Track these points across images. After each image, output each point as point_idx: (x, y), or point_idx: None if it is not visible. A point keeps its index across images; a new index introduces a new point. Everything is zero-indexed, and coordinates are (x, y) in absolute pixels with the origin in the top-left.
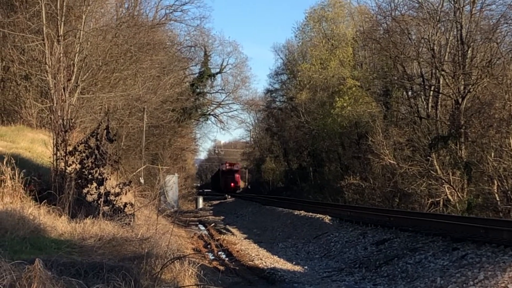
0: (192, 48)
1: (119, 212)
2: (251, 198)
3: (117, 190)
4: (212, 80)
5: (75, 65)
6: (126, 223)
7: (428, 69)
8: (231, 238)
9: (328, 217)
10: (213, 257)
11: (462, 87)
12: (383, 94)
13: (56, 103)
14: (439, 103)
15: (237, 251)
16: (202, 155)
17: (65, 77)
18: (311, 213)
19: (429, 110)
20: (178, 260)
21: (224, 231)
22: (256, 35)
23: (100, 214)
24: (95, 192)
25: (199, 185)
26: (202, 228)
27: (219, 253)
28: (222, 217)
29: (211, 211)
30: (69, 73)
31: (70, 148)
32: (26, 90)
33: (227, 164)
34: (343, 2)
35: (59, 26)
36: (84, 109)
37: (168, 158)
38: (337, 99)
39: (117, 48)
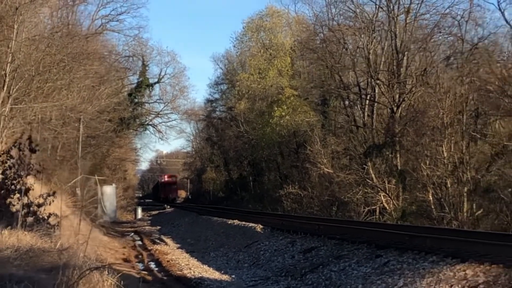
0: (130, 58)
1: (43, 222)
2: (189, 208)
3: (41, 200)
4: (150, 90)
5: (7, 75)
6: (45, 234)
7: (364, 78)
8: (164, 248)
9: (260, 226)
10: (142, 267)
11: (397, 96)
12: (321, 104)
13: None
14: (375, 112)
15: (168, 261)
16: (144, 166)
17: None
18: (244, 222)
19: (365, 119)
20: (97, 270)
21: (158, 241)
22: (195, 45)
23: (19, 225)
24: (17, 203)
25: (141, 195)
26: (137, 238)
27: (150, 263)
28: (158, 227)
29: (149, 221)
30: (1, 83)
31: None
32: None
33: (165, 176)
34: (281, 12)
35: None
36: (16, 120)
37: (107, 168)
38: (276, 108)
39: (50, 58)
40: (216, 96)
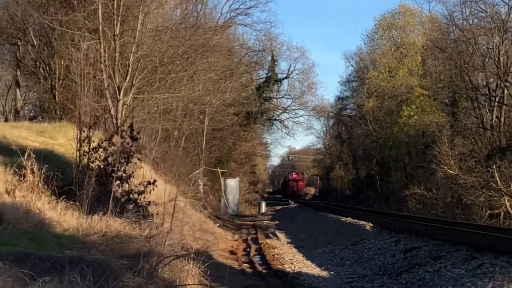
0: (260, 52)
1: (143, 210)
2: (311, 205)
3: (141, 188)
4: (279, 85)
5: (130, 65)
6: (135, 221)
7: (494, 79)
8: (274, 242)
9: (370, 224)
10: (247, 260)
11: None
12: (450, 104)
13: (111, 102)
14: (503, 114)
15: (273, 255)
16: (275, 161)
17: (120, 76)
18: (356, 220)
19: (494, 121)
20: (184, 258)
21: (271, 235)
22: (325, 41)
23: (109, 211)
24: (117, 190)
25: (271, 190)
26: (253, 232)
27: (255, 256)
28: (277, 222)
29: (270, 216)
30: (124, 72)
31: (94, 145)
32: (82, 88)
33: (293, 173)
34: (413, 10)
35: (115, 26)
36: (139, 109)
37: (233, 162)
38: (405, 108)
39: (173, 49)
40: (347, 93)
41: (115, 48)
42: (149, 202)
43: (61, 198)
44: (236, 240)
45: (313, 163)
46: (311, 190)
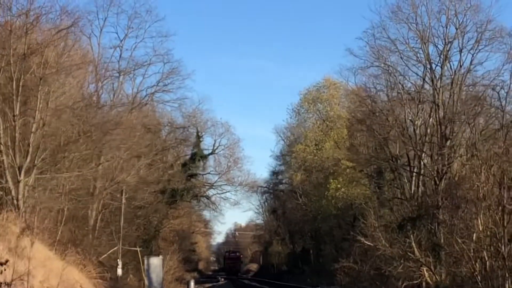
0: (185, 129)
1: None
2: (237, 282)
3: None
4: (204, 161)
5: (31, 145)
6: None
7: (410, 150)
8: None
9: None
10: None
11: (440, 168)
12: (376, 176)
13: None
14: (420, 184)
15: None
16: (221, 238)
17: (20, 157)
18: None
19: (412, 191)
20: None
21: None
22: (254, 115)
23: None
24: None
25: (217, 267)
26: None
27: None
28: None
29: None
30: (25, 152)
31: None
32: None
33: (230, 253)
34: (338, 83)
35: (15, 106)
36: (42, 190)
37: (161, 240)
38: (331, 180)
39: (74, 128)
40: (282, 168)
41: (14, 128)
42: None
43: None
44: None
45: (253, 239)
46: (253, 266)
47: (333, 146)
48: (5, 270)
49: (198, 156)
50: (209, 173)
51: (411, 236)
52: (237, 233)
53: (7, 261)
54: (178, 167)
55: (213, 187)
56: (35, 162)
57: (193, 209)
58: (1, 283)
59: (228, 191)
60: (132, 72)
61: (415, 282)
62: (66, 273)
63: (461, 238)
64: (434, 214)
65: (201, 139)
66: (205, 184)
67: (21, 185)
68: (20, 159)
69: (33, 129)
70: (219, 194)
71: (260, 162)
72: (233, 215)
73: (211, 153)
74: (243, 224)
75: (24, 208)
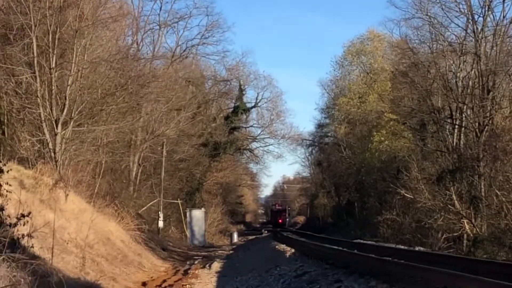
0: (228, 82)
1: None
2: (279, 234)
3: (13, 221)
4: (247, 114)
5: (67, 98)
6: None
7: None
8: (202, 273)
9: (292, 250)
10: None
11: (481, 120)
12: (419, 129)
13: (49, 136)
14: (462, 136)
15: (183, 285)
16: (268, 191)
17: (57, 110)
18: (284, 247)
19: (454, 143)
20: None
21: (207, 266)
22: (298, 67)
23: None
24: None
25: (265, 220)
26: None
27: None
28: (231, 252)
29: (235, 246)
30: (62, 105)
31: None
32: (21, 123)
33: (276, 205)
34: (382, 35)
35: (51, 59)
36: (79, 142)
37: (205, 193)
38: (375, 133)
39: (111, 81)
40: (327, 121)
41: (51, 81)
42: (22, 235)
43: None
44: (165, 272)
45: (300, 191)
46: (300, 219)
47: (376, 98)
48: (27, 222)
49: (240, 109)
50: (252, 126)
51: (452, 188)
52: (285, 186)
53: (29, 213)
54: (220, 120)
55: (256, 140)
56: (72, 115)
57: (238, 162)
58: (23, 234)
59: (271, 144)
60: (173, 25)
61: (455, 234)
62: (100, 225)
63: (500, 190)
64: (474, 167)
65: (243, 92)
66: (248, 137)
67: (58, 137)
68: (57, 112)
69: (70, 82)
70: (262, 147)
71: (303, 115)
72: (281, 168)
73: (254, 106)
74: (291, 177)
75: (62, 161)
